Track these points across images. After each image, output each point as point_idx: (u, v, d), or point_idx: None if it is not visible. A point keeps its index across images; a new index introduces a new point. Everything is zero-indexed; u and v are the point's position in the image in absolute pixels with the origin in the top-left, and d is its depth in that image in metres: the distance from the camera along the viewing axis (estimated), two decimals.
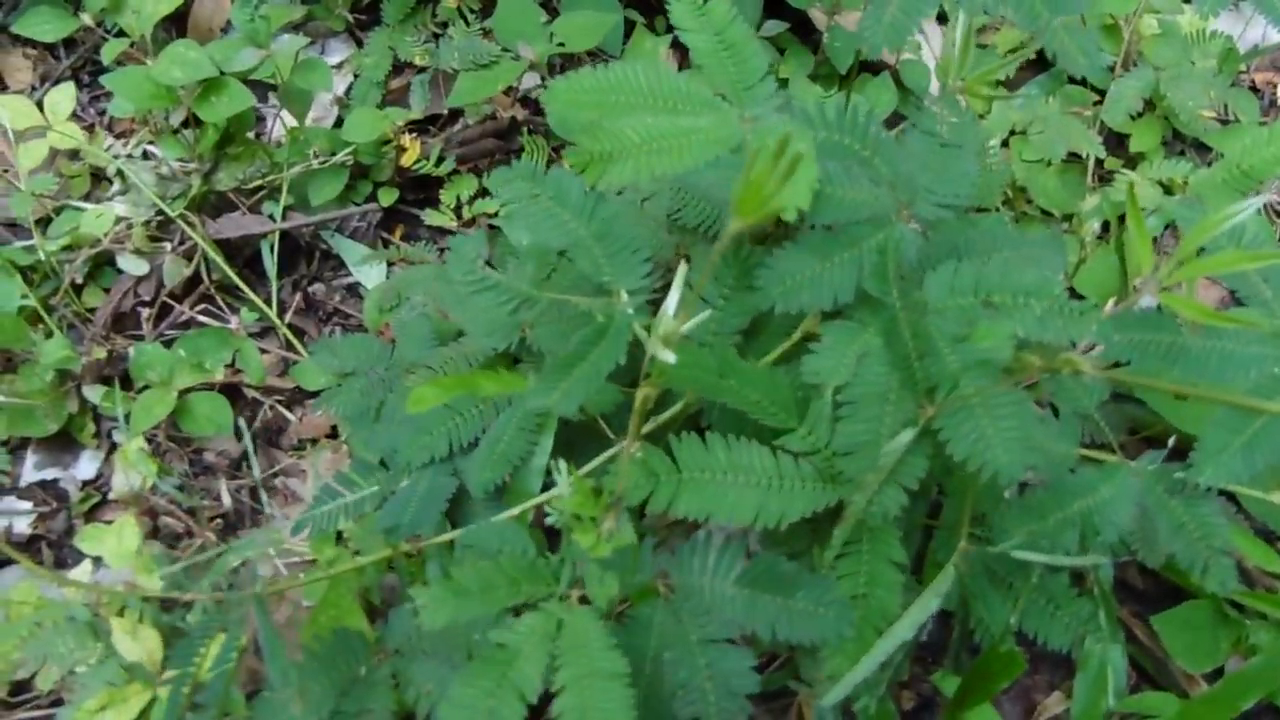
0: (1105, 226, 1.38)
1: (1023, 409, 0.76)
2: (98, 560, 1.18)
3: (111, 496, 1.27)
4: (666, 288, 1.08)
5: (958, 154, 0.92)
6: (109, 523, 1.19)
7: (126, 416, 1.25)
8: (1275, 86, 1.65)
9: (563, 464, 0.60)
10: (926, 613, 0.77)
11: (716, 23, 0.86)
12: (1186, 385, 0.82)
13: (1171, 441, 0.96)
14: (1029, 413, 0.77)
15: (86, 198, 1.46)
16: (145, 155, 1.47)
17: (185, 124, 1.43)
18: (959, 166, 0.86)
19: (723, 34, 0.84)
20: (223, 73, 1.33)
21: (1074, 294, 1.31)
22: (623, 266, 0.95)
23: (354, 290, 1.47)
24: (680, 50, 1.57)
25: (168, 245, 1.40)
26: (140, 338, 1.38)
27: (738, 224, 0.54)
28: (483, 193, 1.48)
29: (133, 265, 1.37)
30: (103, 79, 1.37)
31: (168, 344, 1.33)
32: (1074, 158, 1.47)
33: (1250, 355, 0.85)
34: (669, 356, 0.56)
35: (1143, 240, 0.68)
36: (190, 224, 1.38)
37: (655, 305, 1.08)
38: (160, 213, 1.38)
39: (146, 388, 1.28)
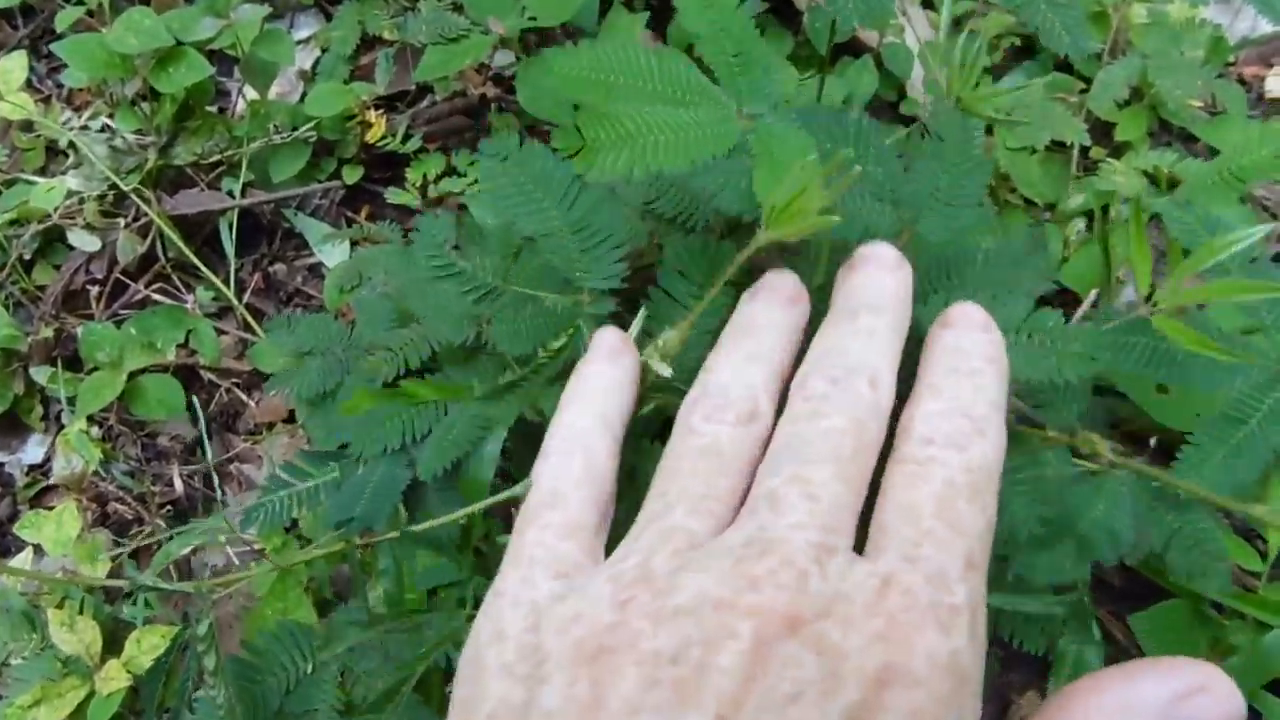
0: (1090, 217, 1.35)
1: (1033, 459, 0.72)
2: (38, 549, 1.13)
3: (52, 481, 1.22)
4: (636, 280, 1.04)
5: (968, 176, 0.87)
6: (52, 509, 1.14)
7: (72, 399, 1.20)
8: (1263, 79, 1.62)
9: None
10: None
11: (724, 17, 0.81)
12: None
13: (1153, 443, 0.93)
14: (1039, 461, 0.73)
15: (41, 171, 1.41)
16: (104, 129, 1.42)
17: (143, 96, 1.37)
18: (969, 189, 0.81)
19: (726, 26, 0.79)
20: (180, 42, 1.28)
21: (1060, 287, 1.28)
22: (596, 260, 0.91)
23: (316, 270, 1.42)
24: (658, 30, 1.52)
25: (121, 221, 1.35)
26: (92, 317, 1.33)
27: (767, 237, 0.51)
28: (450, 171, 1.43)
29: (84, 241, 1.32)
30: (55, 47, 1.32)
31: (120, 323, 1.29)
32: (1059, 146, 1.44)
33: (1237, 364, 0.82)
34: (666, 371, 0.53)
35: (1142, 256, 0.64)
36: (145, 199, 1.33)
37: (626, 299, 1.04)
38: (114, 187, 1.32)
39: (96, 369, 1.23)
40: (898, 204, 0.83)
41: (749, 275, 1.06)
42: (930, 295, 0.79)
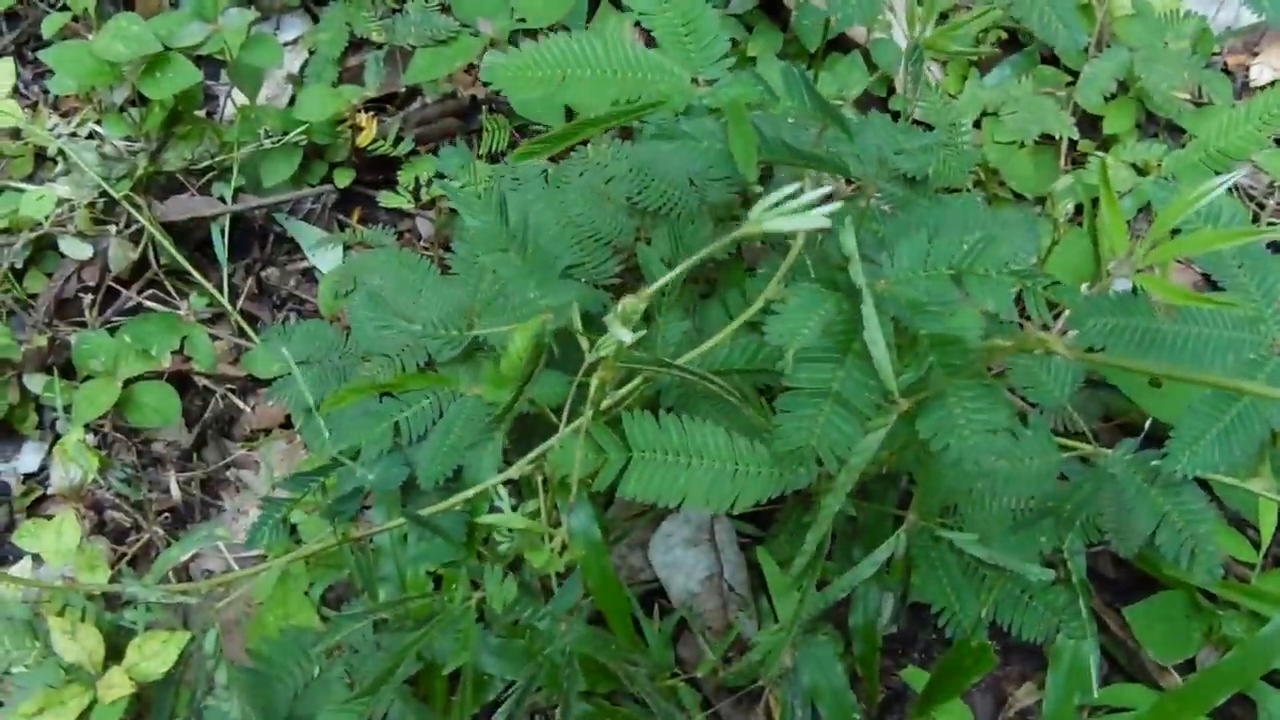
0: (1079, 210, 1.36)
1: (993, 394, 0.73)
2: (37, 557, 1.13)
3: (51, 491, 1.22)
4: (625, 271, 1.05)
5: (920, 131, 0.88)
6: (50, 517, 1.14)
7: (68, 408, 1.19)
8: (1248, 69, 1.63)
9: (503, 490, 0.56)
10: (859, 577, 0.74)
11: None
12: (1162, 370, 0.80)
13: (1147, 426, 0.94)
14: (999, 399, 0.74)
15: (30, 179, 1.40)
16: (92, 135, 1.42)
17: (132, 102, 1.37)
18: (923, 141, 0.82)
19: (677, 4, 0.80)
20: (168, 48, 1.28)
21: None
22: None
23: (309, 275, 1.42)
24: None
25: (113, 228, 1.34)
26: (85, 325, 1.33)
27: (753, 227, 0.51)
28: (442, 174, 1.43)
29: (76, 249, 1.32)
30: (41, 54, 1.31)
31: (113, 331, 1.28)
32: (1047, 140, 1.44)
33: (1226, 340, 0.83)
34: (627, 336, 0.53)
35: (1116, 220, 0.65)
36: (136, 206, 1.32)
37: (616, 291, 1.05)
38: (104, 194, 1.32)
39: (90, 377, 1.23)
40: (861, 160, 0.84)
41: (738, 257, 1.07)
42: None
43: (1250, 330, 0.84)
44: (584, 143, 1.27)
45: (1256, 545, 1.11)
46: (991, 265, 0.76)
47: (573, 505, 0.65)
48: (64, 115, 1.46)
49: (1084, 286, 1.23)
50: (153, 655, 0.99)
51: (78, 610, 1.04)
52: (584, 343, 0.63)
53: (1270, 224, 1.44)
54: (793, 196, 0.53)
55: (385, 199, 1.40)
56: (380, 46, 1.47)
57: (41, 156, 1.43)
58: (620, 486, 0.75)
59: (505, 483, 0.88)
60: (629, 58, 0.74)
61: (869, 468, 0.83)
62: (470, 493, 0.73)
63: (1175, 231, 0.87)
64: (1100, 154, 1.43)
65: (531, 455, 0.62)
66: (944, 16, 1.60)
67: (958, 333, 0.72)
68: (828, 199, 0.52)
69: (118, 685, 0.97)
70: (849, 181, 1.00)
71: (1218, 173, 1.23)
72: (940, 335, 0.73)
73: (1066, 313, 1.04)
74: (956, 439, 0.71)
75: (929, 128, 1.21)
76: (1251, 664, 0.88)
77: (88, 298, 1.33)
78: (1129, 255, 0.70)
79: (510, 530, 0.53)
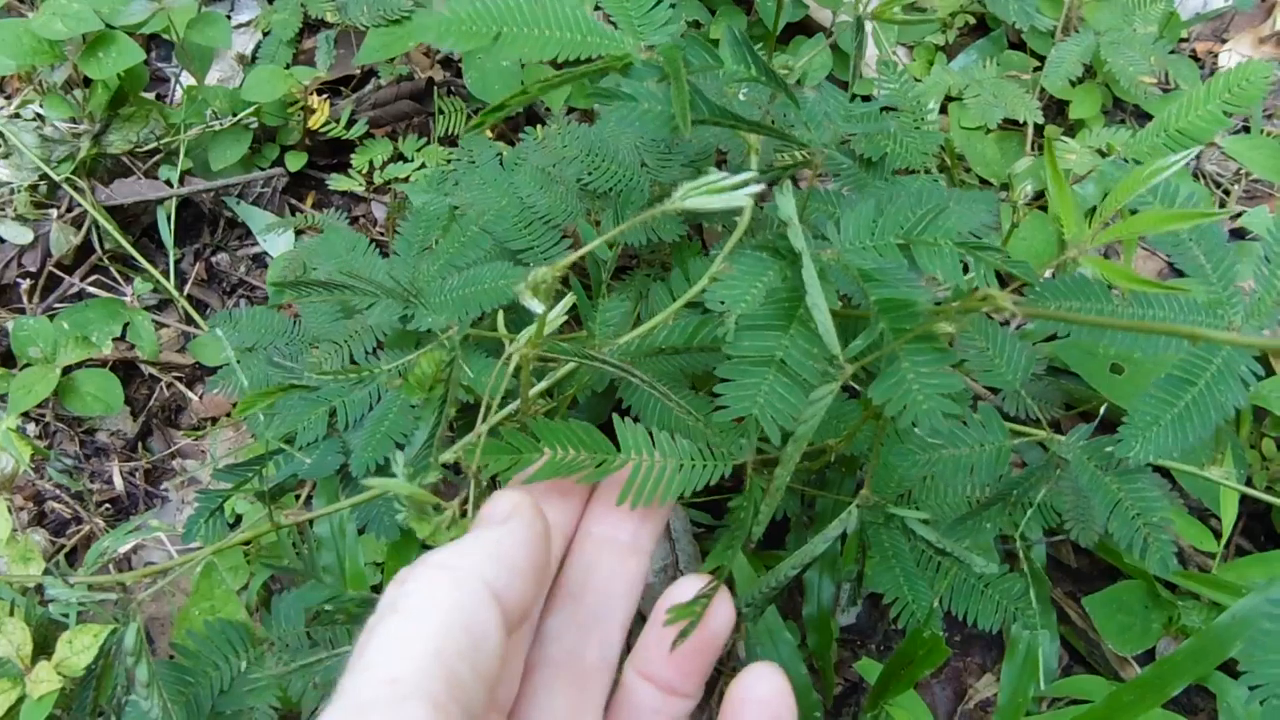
0: (1041, 195, 1.34)
1: (946, 357, 0.70)
2: None
3: None
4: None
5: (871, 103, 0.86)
6: None
7: (3, 396, 1.16)
8: (1216, 55, 1.61)
9: (399, 454, 0.53)
10: (810, 555, 0.71)
11: None
12: (1097, 325, 0.78)
13: (1102, 412, 0.92)
14: (952, 363, 0.72)
15: None
16: (35, 117, 1.38)
17: (76, 83, 1.33)
18: (872, 109, 0.80)
19: None
20: (111, 26, 1.24)
21: None
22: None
23: (260, 260, 1.39)
24: None
25: (54, 212, 1.31)
26: (23, 311, 1.29)
27: (675, 206, 0.49)
28: (398, 157, 1.40)
29: (15, 233, 1.28)
30: None
31: (54, 317, 1.25)
32: (1013, 125, 1.43)
33: (1184, 323, 0.81)
34: (537, 306, 0.50)
35: (1064, 199, 0.63)
36: (79, 189, 1.29)
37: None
38: (45, 177, 1.28)
39: (28, 365, 1.19)
40: (809, 127, 0.81)
41: (691, 240, 1.04)
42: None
43: (1208, 314, 0.82)
44: (541, 123, 1.25)
45: (1218, 535, 1.09)
46: (940, 235, 0.74)
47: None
48: (6, 97, 1.42)
49: (1048, 271, 1.21)
50: (83, 650, 0.96)
51: (7, 603, 1.00)
52: (501, 328, 0.60)
53: (1238, 210, 1.43)
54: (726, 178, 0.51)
55: (336, 182, 1.37)
56: (334, 27, 1.43)
57: None
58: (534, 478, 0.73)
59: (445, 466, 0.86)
60: (567, 17, 0.71)
61: (822, 457, 0.81)
62: (371, 495, 0.70)
63: (1134, 214, 0.86)
64: (1067, 139, 1.41)
65: (448, 453, 0.59)
66: (921, 10, 1.58)
67: (906, 296, 0.69)
68: (753, 182, 0.50)
69: (46, 680, 0.94)
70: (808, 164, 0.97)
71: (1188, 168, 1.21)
72: (889, 299, 0.70)
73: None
74: (911, 404, 0.68)
75: (897, 112, 1.19)
76: (1208, 654, 0.86)
77: (26, 283, 1.29)
78: (1082, 237, 0.68)
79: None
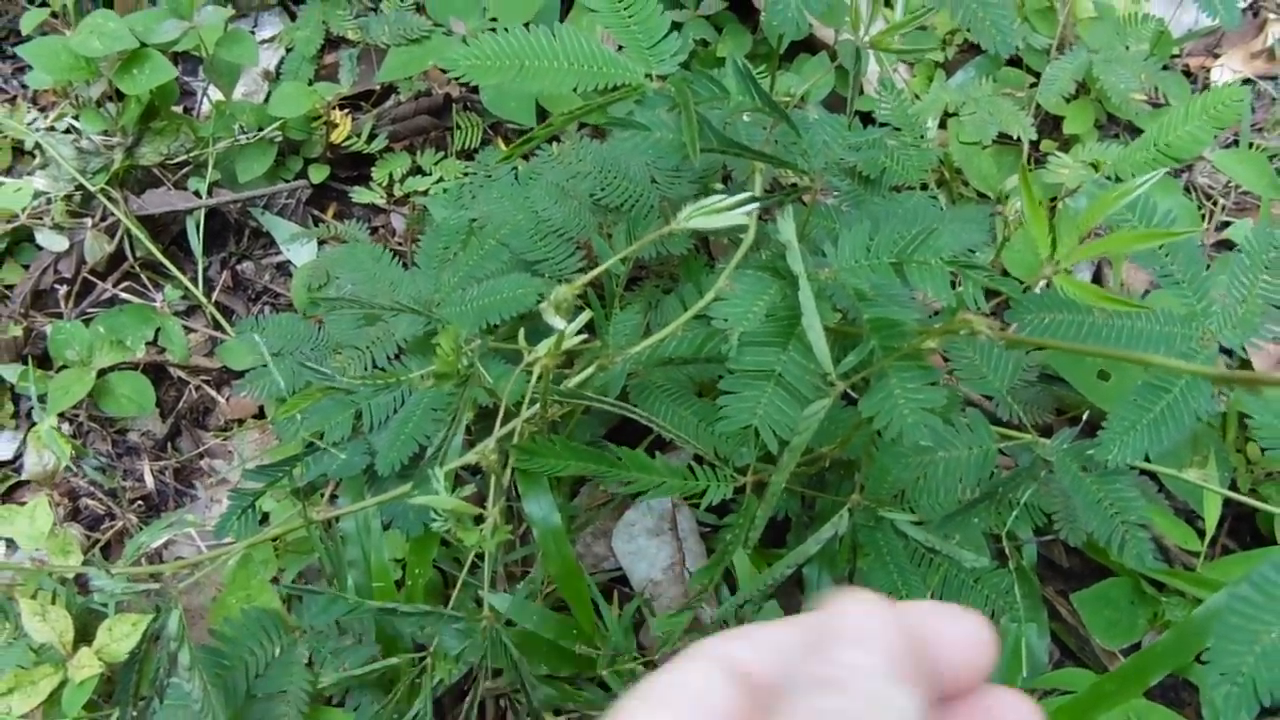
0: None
1: (930, 375, 0.76)
2: (10, 541, 1.15)
3: (24, 476, 1.24)
4: (590, 267, 1.08)
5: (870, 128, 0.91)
6: (24, 504, 1.16)
7: (43, 397, 1.22)
8: (1208, 71, 1.66)
9: (439, 470, 0.58)
10: (804, 555, 0.77)
11: None
12: (1066, 349, 0.83)
13: (1085, 417, 0.97)
14: (936, 379, 0.77)
15: (7, 172, 1.42)
16: (70, 130, 1.44)
17: (110, 98, 1.39)
18: (871, 136, 0.85)
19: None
20: (144, 44, 1.30)
21: (1003, 273, 1.32)
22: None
23: (284, 269, 1.45)
24: None
25: (89, 221, 1.36)
26: (60, 316, 1.35)
27: (682, 223, 0.54)
28: (416, 170, 1.46)
29: (52, 241, 1.34)
30: (20, 49, 1.33)
31: (89, 322, 1.31)
32: (1011, 140, 1.48)
33: (1161, 334, 0.86)
34: (559, 323, 0.55)
35: (1037, 218, 0.68)
36: (112, 200, 1.34)
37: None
38: (80, 187, 1.34)
39: (65, 367, 1.25)
40: (807, 155, 0.87)
41: (699, 254, 1.09)
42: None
43: (1183, 325, 0.87)
44: (555, 139, 1.30)
45: (1202, 535, 1.14)
46: (931, 254, 0.79)
47: (503, 492, 0.67)
48: (42, 110, 1.48)
49: (1041, 283, 1.26)
50: (122, 637, 1.01)
51: (49, 593, 1.06)
52: (522, 340, 0.66)
53: (1225, 222, 1.48)
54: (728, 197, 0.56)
55: (358, 194, 1.43)
56: (355, 45, 1.49)
57: (19, 150, 1.45)
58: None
59: (465, 468, 0.91)
60: (584, 50, 0.76)
61: (818, 462, 0.86)
62: (393, 495, 0.75)
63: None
64: (1061, 154, 1.46)
65: (468, 455, 0.64)
66: (923, 28, 1.63)
67: (896, 316, 0.75)
68: (752, 201, 0.55)
69: (87, 665, 0.99)
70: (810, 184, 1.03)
71: (1167, 172, 1.26)
72: (880, 319, 0.76)
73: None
74: (897, 418, 0.74)
75: (898, 130, 1.24)
76: (1185, 645, 0.91)
77: (63, 289, 1.35)
78: (1059, 254, 0.73)
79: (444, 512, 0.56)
